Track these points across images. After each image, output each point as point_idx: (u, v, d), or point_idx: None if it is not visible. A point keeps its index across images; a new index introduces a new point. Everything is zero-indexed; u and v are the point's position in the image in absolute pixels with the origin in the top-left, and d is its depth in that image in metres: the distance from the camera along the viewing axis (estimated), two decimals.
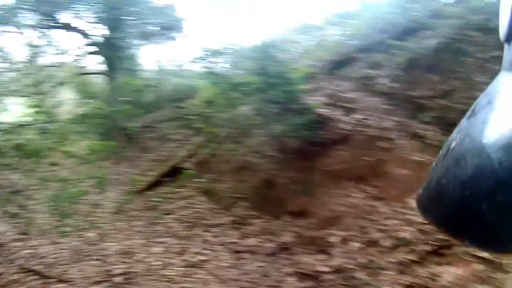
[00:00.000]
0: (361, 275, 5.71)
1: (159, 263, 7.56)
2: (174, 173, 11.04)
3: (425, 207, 0.83)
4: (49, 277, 6.91)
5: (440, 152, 0.76)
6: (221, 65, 13.07)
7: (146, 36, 16.10)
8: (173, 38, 16.76)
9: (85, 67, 17.27)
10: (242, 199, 9.01)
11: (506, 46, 0.71)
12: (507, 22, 0.67)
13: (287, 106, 8.51)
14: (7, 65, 11.81)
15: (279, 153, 8.56)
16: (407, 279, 5.28)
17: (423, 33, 8.53)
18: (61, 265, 7.52)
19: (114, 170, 12.89)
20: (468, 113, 0.74)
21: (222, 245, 7.94)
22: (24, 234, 8.13)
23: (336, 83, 8.99)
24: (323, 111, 8.39)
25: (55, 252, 7.97)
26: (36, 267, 7.18)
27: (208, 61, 13.00)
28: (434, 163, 0.78)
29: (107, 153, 8.53)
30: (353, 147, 7.73)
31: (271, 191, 8.58)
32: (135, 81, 14.27)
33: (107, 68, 15.43)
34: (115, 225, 9.40)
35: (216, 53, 11.16)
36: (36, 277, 6.85)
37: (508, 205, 0.59)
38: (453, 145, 0.72)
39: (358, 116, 8.03)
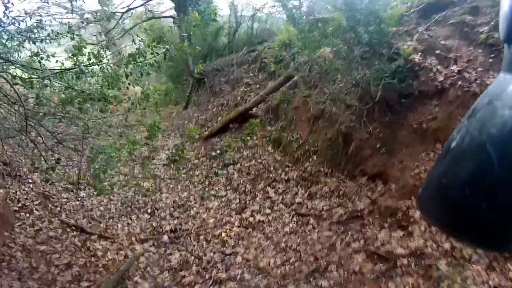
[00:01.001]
0: (442, 264, 4.67)
1: (212, 220, 6.88)
2: (242, 119, 10.34)
3: (425, 206, 0.90)
4: (91, 233, 6.57)
5: (441, 152, 0.78)
6: (300, 3, 11.80)
7: None
8: None
9: (154, 11, 16.97)
10: (314, 152, 8.09)
11: (506, 46, 0.74)
12: (506, 23, 0.71)
13: (375, 49, 7.20)
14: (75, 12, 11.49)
15: (361, 103, 7.33)
16: (494, 278, 4.23)
17: None
18: (106, 219, 7.10)
19: (180, 115, 12.43)
20: (468, 113, 0.76)
21: (286, 205, 7.10)
22: (71, 185, 7.76)
23: (430, 28, 7.45)
24: (416, 58, 6.93)
25: (101, 206, 7.59)
26: (78, 222, 6.89)
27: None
28: (434, 162, 0.79)
29: (173, 97, 7.76)
30: (447, 103, 6.29)
31: (347, 146, 7.49)
32: (207, 25, 13.46)
33: (177, 12, 14.76)
34: (171, 175, 8.89)
35: None
36: (76, 233, 6.50)
37: (508, 205, 0.64)
38: (453, 144, 0.74)
39: (455, 67, 6.54)
